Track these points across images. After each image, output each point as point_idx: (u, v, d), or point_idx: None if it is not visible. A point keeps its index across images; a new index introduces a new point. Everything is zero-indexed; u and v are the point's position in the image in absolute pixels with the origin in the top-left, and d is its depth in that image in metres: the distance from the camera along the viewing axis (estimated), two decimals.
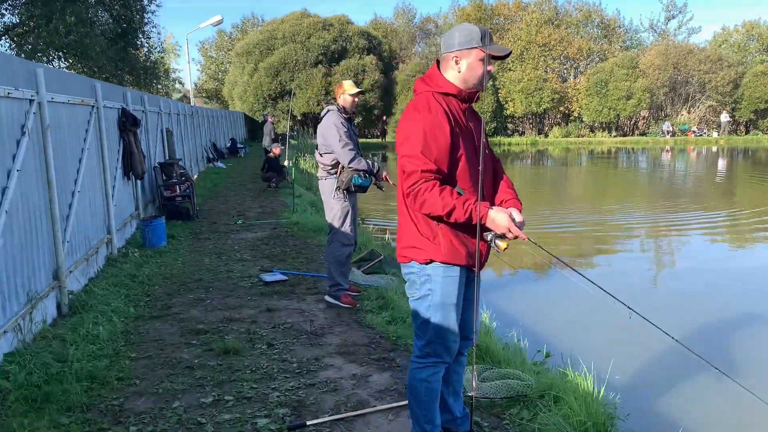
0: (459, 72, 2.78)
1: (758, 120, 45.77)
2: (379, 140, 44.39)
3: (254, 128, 43.23)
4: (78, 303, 5.47)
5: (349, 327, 5.08)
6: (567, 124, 47.49)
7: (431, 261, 2.74)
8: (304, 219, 10.22)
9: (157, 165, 11.24)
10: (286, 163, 15.96)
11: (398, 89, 45.66)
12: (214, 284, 6.43)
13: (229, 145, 28.31)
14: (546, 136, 47.23)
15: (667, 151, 38.24)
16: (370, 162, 5.64)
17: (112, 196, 7.80)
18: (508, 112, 46.85)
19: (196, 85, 43.59)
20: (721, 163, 29.32)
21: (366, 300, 5.79)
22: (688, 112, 46.83)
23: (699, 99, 46.00)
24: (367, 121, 46.13)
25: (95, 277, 6.57)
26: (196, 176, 18.29)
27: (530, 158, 34.49)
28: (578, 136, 46.31)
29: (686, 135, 44.25)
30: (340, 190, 5.57)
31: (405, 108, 2.89)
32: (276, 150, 15.66)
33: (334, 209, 5.63)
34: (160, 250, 8.08)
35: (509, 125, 48.87)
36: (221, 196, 14.19)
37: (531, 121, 48.76)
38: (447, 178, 2.68)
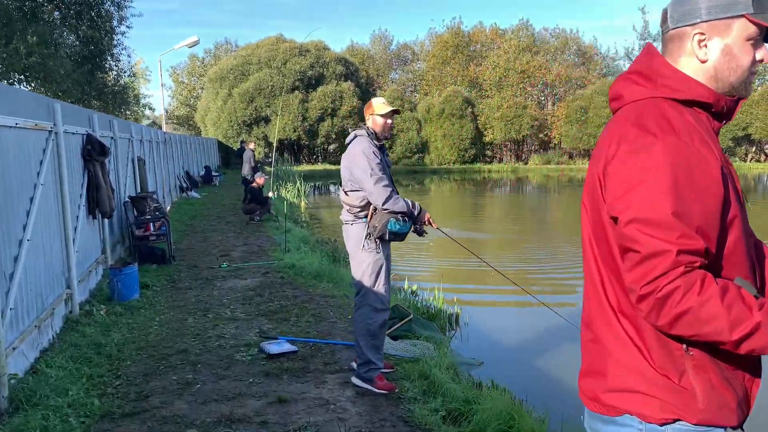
0: (706, 62, 1.56)
1: (735, 147, 45.82)
2: None
3: (228, 155, 41.77)
4: (23, 394, 4.07)
5: (395, 428, 3.76)
6: (546, 152, 46.98)
7: (676, 420, 1.46)
8: (300, 260, 8.88)
9: (127, 199, 9.83)
10: (270, 194, 14.61)
11: None
12: (202, 358, 5.05)
13: (203, 173, 26.83)
14: (525, 163, 46.63)
15: None
16: (409, 202, 4.38)
17: (74, 240, 6.39)
18: (487, 140, 46.21)
19: (167, 111, 42.10)
20: None
21: (404, 379, 4.49)
22: None
23: None
24: (343, 149, 45.01)
25: (49, 348, 5.15)
26: (169, 208, 16.83)
27: (511, 185, 33.67)
28: (558, 164, 45.80)
29: None
30: (372, 239, 4.30)
31: (608, 130, 1.62)
32: (259, 180, 14.32)
33: (364, 263, 4.34)
34: (131, 306, 6.66)
35: (488, 152, 48.21)
36: (199, 231, 12.78)
37: (510, 148, 48.19)
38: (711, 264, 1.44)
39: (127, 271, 6.99)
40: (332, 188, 31.90)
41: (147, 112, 53.50)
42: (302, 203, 19.75)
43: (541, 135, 46.49)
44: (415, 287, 8.10)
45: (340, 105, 42.67)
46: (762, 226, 17.98)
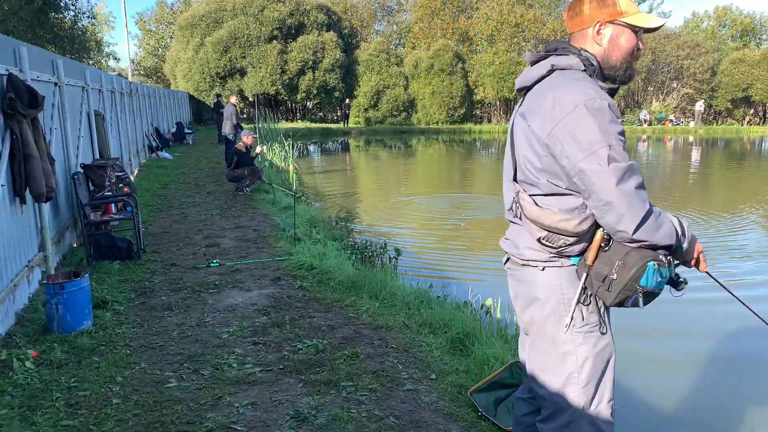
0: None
1: (734, 109, 44.07)
2: (341, 125, 40.42)
3: (200, 110, 38.66)
4: None
5: None
6: None
7: None
8: (318, 257, 6.49)
9: (79, 170, 7.27)
10: (258, 149, 12.09)
11: (360, 69, 41.78)
12: None
13: (174, 130, 23.96)
14: None
15: (643, 140, 35.96)
16: (674, 220, 2.01)
17: None
18: (478, 98, 43.66)
19: (133, 61, 38.62)
20: (703, 155, 26.88)
21: None
22: (663, 100, 44.77)
23: (675, 86, 43.95)
24: (326, 105, 42.21)
25: None
26: (136, 172, 14.19)
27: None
28: None
29: (663, 124, 42.14)
30: (596, 307, 1.98)
31: None
32: (247, 139, 11.75)
33: (571, 356, 2.01)
34: (79, 345, 4.25)
35: (478, 111, 45.72)
36: (175, 205, 10.24)
37: (501, 107, 45.75)
38: None
39: (74, 287, 4.54)
40: (311, 148, 29.25)
41: (111, 62, 49.57)
42: (291, 168, 17.19)
43: None
44: (489, 302, 5.77)
45: (322, 57, 39.56)
46: (748, 190, 16.27)
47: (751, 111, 45.52)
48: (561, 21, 44.57)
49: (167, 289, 5.63)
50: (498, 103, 45.27)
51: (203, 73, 38.00)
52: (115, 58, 49.00)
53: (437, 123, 42.01)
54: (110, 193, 7.29)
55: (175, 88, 38.83)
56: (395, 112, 42.16)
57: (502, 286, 2.68)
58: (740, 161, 25.45)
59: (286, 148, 18.20)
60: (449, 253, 8.78)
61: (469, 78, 42.82)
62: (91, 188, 7.32)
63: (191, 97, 37.98)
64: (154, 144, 18.37)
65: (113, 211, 7.14)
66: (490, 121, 45.91)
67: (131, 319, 4.86)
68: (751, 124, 44.64)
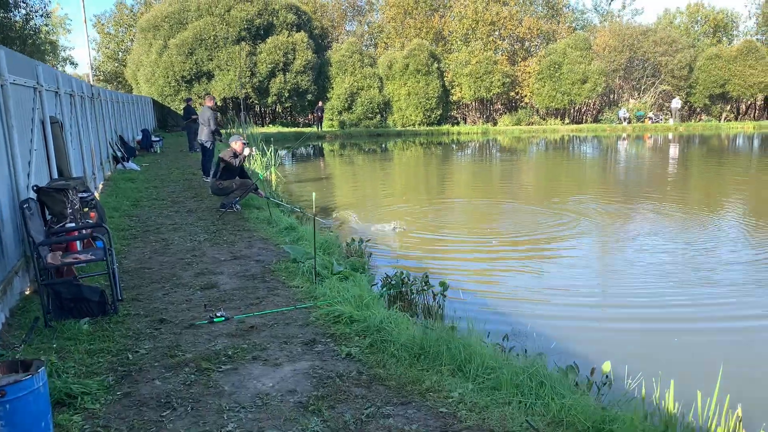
0: None
1: (711, 105, 43.69)
2: (314, 129, 38.71)
3: (165, 116, 36.56)
4: None
5: None
6: (517, 111, 43.62)
7: None
8: (351, 300, 4.93)
9: (32, 194, 5.57)
10: (247, 151, 10.36)
11: (333, 71, 40.15)
12: None
13: (140, 138, 22.02)
14: (495, 124, 43.18)
15: (623, 139, 35.19)
16: None
17: None
18: (455, 98, 42.39)
19: (92, 65, 36.23)
20: (691, 153, 26.03)
21: None
22: (638, 98, 44.16)
23: (653, 83, 43.37)
24: (300, 107, 40.43)
25: None
26: (101, 187, 12.38)
27: (490, 149, 30.14)
28: (529, 124, 42.57)
29: (643, 122, 41.49)
30: None
31: None
32: (236, 146, 10.05)
33: None
34: None
35: (455, 112, 44.48)
36: (151, 228, 8.52)
37: (479, 108, 44.59)
38: None
39: (21, 390, 2.89)
40: (282, 153, 27.38)
41: (69, 68, 46.94)
42: (273, 177, 15.53)
43: (512, 93, 42.97)
44: (606, 367, 4.31)
45: (293, 59, 37.81)
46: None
47: (728, 107, 45.26)
48: (536, 18, 43.76)
49: (160, 365, 3.98)
50: (474, 103, 44.11)
51: (168, 76, 35.91)
52: (72, 63, 46.47)
53: (414, 125, 40.62)
54: (73, 224, 5.58)
55: (138, 93, 36.63)
56: (370, 115, 40.64)
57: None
58: (727, 157, 24.67)
59: (269, 155, 16.51)
60: (498, 280, 7.27)
61: (446, 78, 41.55)
62: (48, 217, 5.62)
63: (155, 102, 35.83)
64: (119, 154, 16.50)
65: (78, 248, 5.44)
66: (466, 121, 44.73)
67: (113, 427, 3.22)
68: (727, 120, 44.34)
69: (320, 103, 38.76)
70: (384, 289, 5.94)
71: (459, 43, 42.78)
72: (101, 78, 45.31)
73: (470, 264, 8.11)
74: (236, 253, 7.08)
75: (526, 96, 42.90)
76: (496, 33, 42.77)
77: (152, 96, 35.72)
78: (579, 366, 4.20)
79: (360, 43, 43.82)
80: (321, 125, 38.79)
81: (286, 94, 38.16)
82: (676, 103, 41.76)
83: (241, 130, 23.98)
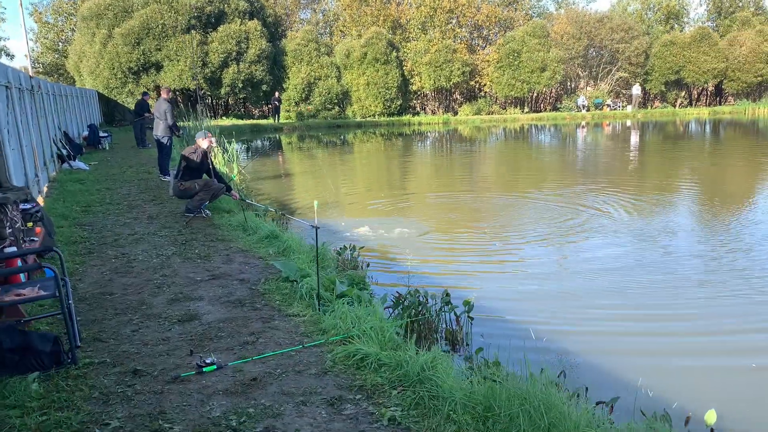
0: None
1: (667, 92, 44.06)
2: (271, 121, 37.32)
3: (111, 110, 34.61)
4: None
5: None
6: (476, 100, 43.09)
7: None
8: (372, 334, 3.99)
9: None
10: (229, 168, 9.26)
11: (288, 60, 38.79)
12: None
13: (86, 134, 20.42)
14: (455, 113, 42.55)
15: (583, 126, 35.09)
16: None
17: None
18: (414, 88, 41.55)
19: (30, 57, 33.80)
20: (652, 139, 25.92)
21: None
22: (595, 86, 44.21)
23: (610, 70, 43.43)
24: (254, 98, 38.93)
25: None
26: (45, 190, 11.05)
27: (455, 139, 29.43)
28: (489, 113, 42.11)
29: (601, 109, 41.53)
30: None
31: None
32: (203, 142, 8.93)
33: None
34: None
35: (415, 102, 43.65)
36: (108, 241, 7.34)
37: (438, 97, 43.87)
38: None
39: None
40: (236, 146, 25.91)
41: (4, 59, 44.05)
42: (235, 173, 14.39)
43: (471, 82, 42.37)
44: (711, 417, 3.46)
45: (247, 48, 36.26)
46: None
47: (683, 93, 45.76)
48: (495, 5, 43.25)
49: None
50: (433, 93, 43.38)
51: (113, 68, 33.93)
52: (7, 55, 43.61)
53: (374, 115, 39.63)
54: (14, 248, 4.45)
55: (81, 86, 34.51)
56: (329, 105, 39.48)
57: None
58: (687, 141, 24.63)
59: (230, 150, 15.31)
60: (516, 291, 6.40)
61: (405, 67, 40.66)
62: None
63: (101, 95, 33.84)
64: (64, 152, 15.05)
65: (24, 282, 4.32)
66: (425, 111, 43.99)
67: None
68: (682, 106, 44.84)
69: (276, 94, 37.36)
70: (398, 311, 5.01)
71: (417, 31, 41.91)
72: (40, 70, 42.69)
73: (476, 271, 7.23)
74: (214, 270, 6.01)
75: (485, 85, 42.39)
76: (455, 20, 42.07)
77: (97, 89, 33.71)
78: (670, 414, 3.37)
79: (315, 31, 42.46)
80: (278, 117, 37.41)
81: (240, 85, 36.61)
82: (637, 89, 41.95)
83: (194, 123, 22.58)
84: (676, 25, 49.63)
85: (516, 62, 40.40)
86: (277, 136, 33.52)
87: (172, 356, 4.00)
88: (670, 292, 6.24)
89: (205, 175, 8.91)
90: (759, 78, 41.90)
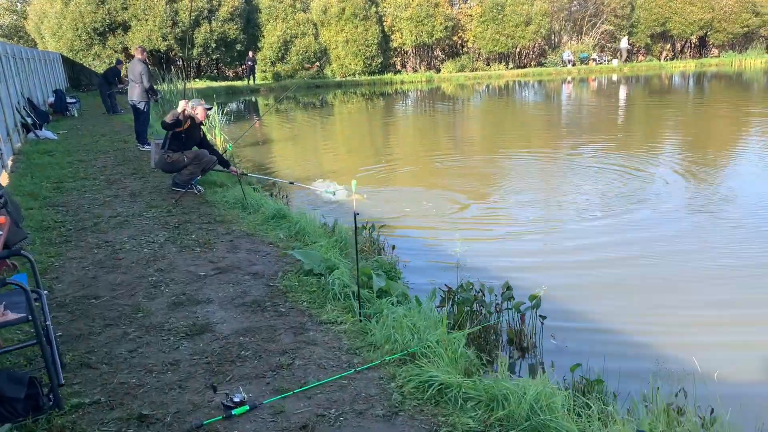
0: None
1: (652, 45, 43.15)
2: (246, 82, 35.75)
3: (77, 74, 32.76)
4: None
5: None
6: (459, 57, 41.80)
7: None
8: (450, 360, 3.10)
9: None
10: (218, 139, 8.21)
11: (263, 18, 37.00)
12: None
13: (52, 100, 18.97)
14: (438, 71, 41.26)
15: (568, 82, 34.23)
16: None
17: None
18: (396, 44, 40.07)
19: None
20: (640, 93, 25.14)
21: None
22: (579, 41, 43.11)
23: (595, 23, 42.32)
24: (228, 58, 37.22)
25: None
26: (10, 163, 9.89)
27: (442, 98, 28.33)
28: (472, 70, 40.90)
29: (587, 64, 40.55)
30: None
31: None
32: (195, 111, 7.87)
33: None
34: None
35: (396, 60, 42.21)
36: (88, 225, 6.28)
37: (419, 54, 42.45)
38: None
39: None
40: (214, 110, 24.35)
41: None
42: (219, 141, 13.29)
43: (454, 38, 41.00)
44: None
45: (219, 5, 34.43)
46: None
47: (668, 46, 44.92)
48: None
49: None
50: (414, 50, 41.92)
51: (77, 29, 31.96)
52: None
53: (354, 74, 38.20)
54: None
55: (44, 48, 32.50)
56: (307, 65, 37.89)
57: None
58: (686, 95, 23.88)
59: (212, 114, 14.09)
60: (574, 277, 5.51)
61: (385, 23, 39.09)
62: None
63: (65, 58, 31.91)
64: (29, 120, 13.73)
65: None
66: (406, 69, 42.61)
67: None
68: (667, 59, 44.05)
69: (251, 54, 35.67)
70: (449, 309, 4.12)
71: None
72: None
73: (520, 252, 6.31)
74: (218, 261, 5.05)
75: (468, 41, 41.06)
76: None
77: (61, 52, 31.77)
78: None
79: None
80: (253, 78, 35.81)
81: (213, 45, 34.86)
82: (625, 43, 41.04)
83: (169, 87, 21.21)
84: None
85: (500, 16, 39.07)
86: (253, 98, 32.07)
87: (187, 390, 3.08)
88: None
89: (195, 147, 7.86)
90: (745, 29, 41.17)
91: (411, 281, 5.19)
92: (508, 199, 8.31)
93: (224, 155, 8.06)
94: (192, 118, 7.88)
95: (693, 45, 46.63)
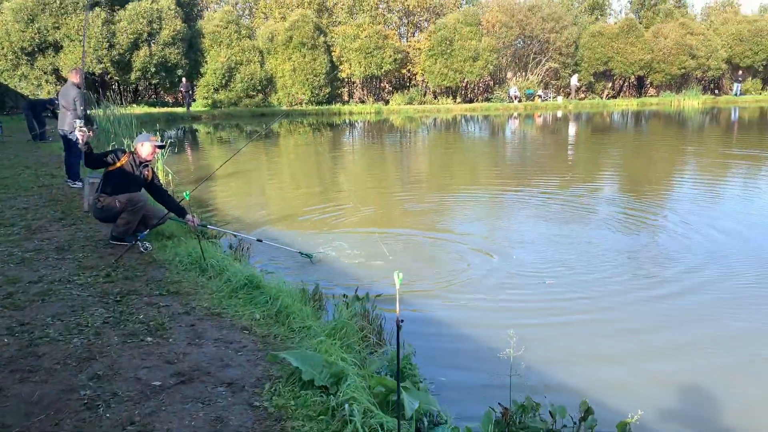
0: None
1: (595, 83, 43.99)
2: (184, 109, 34.05)
3: (2, 96, 30.41)
4: None
5: None
6: (408, 89, 41.39)
7: None
8: None
9: None
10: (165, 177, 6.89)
11: (206, 43, 35.58)
12: None
13: None
14: (386, 103, 40.67)
15: (515, 117, 34.23)
16: None
17: None
18: (344, 74, 39.31)
19: None
20: (573, 131, 25.13)
21: None
22: (526, 77, 43.52)
23: (540, 61, 42.80)
24: (168, 83, 35.50)
25: None
26: None
27: (394, 131, 27.54)
28: (421, 103, 40.52)
29: (533, 100, 40.85)
30: None
31: None
32: (144, 149, 6.58)
33: None
34: None
35: (343, 90, 41.42)
36: (9, 304, 4.88)
37: (366, 86, 41.83)
38: None
39: None
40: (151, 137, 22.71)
41: None
42: (161, 175, 11.89)
43: (403, 71, 40.61)
44: None
45: (159, 28, 32.80)
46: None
47: (610, 84, 45.91)
48: None
49: None
50: (361, 81, 41.29)
51: (3, 48, 29.71)
52: None
53: (301, 104, 37.11)
54: None
55: None
56: (252, 92, 36.57)
57: None
58: (641, 133, 23.89)
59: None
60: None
61: (333, 53, 38.32)
62: None
63: None
64: None
65: None
66: (353, 99, 41.88)
67: None
68: (609, 98, 44.96)
69: (185, 80, 33.98)
70: None
71: (345, 15, 39.62)
72: None
73: (574, 335, 5.24)
74: (178, 360, 3.75)
75: (417, 73, 40.74)
76: (384, 5, 40.08)
77: None
78: None
79: (235, 12, 39.32)
80: (189, 105, 34.11)
81: (153, 69, 33.10)
82: (575, 80, 41.66)
83: (104, 112, 19.50)
84: (600, 16, 49.82)
85: (449, 50, 38.96)
86: (191, 126, 30.47)
87: None
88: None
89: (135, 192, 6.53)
90: (682, 70, 42.48)
91: (429, 375, 4.04)
92: (499, 244, 7.27)
93: (180, 202, 6.75)
94: (133, 157, 6.57)
95: (631, 84, 47.89)
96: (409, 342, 4.47)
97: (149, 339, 4.03)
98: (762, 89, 45.15)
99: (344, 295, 5.31)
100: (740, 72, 43.62)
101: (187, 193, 5.85)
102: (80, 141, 6.15)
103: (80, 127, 6.14)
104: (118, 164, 6.39)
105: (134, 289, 5.01)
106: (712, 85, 46.01)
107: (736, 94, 42.68)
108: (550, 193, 11.19)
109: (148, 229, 6.58)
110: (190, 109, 34.12)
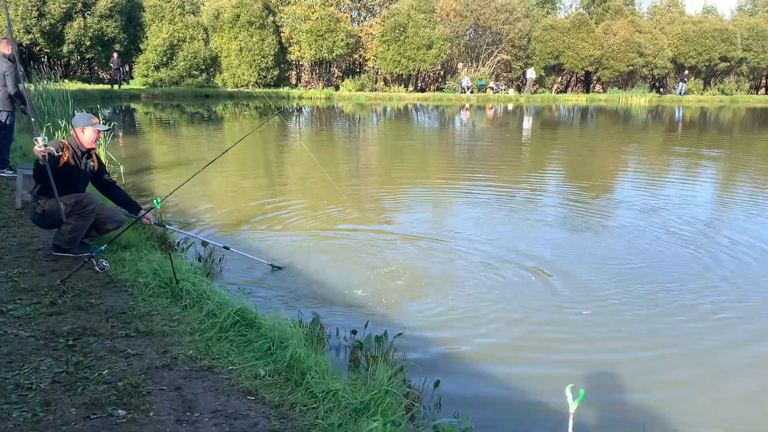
0: None
1: (546, 77, 43.99)
2: (113, 87, 31.72)
3: None
4: None
5: None
6: (359, 75, 40.25)
7: None
8: None
9: None
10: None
11: (147, 17, 33.39)
12: None
13: None
14: (336, 88, 39.42)
15: (466, 109, 33.77)
16: None
17: None
18: (293, 57, 37.80)
19: None
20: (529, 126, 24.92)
21: None
22: (477, 68, 43.08)
23: (492, 52, 42.41)
24: (104, 58, 33.17)
25: None
26: None
27: (347, 117, 26.47)
28: (372, 90, 39.47)
29: (484, 92, 40.45)
30: None
31: None
32: (84, 134, 5.34)
33: None
34: None
35: (291, 74, 39.90)
36: None
37: (316, 70, 40.42)
38: None
39: None
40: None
41: None
42: (103, 157, 10.44)
43: (355, 56, 39.39)
44: None
45: (96, 0, 30.56)
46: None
47: (559, 79, 46.04)
48: None
49: None
50: (310, 65, 39.88)
51: None
52: None
53: (247, 85, 35.42)
54: None
55: None
56: (195, 72, 34.63)
57: None
58: (596, 128, 23.71)
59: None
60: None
61: (282, 34, 36.73)
62: None
63: None
64: None
65: None
66: (301, 84, 40.43)
67: None
68: (558, 92, 45.09)
69: (116, 56, 31.49)
70: None
71: None
72: None
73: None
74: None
75: (369, 59, 39.63)
76: None
77: None
78: None
79: None
80: (120, 82, 31.84)
81: (88, 43, 30.86)
82: (531, 73, 41.45)
83: (35, 87, 17.61)
84: (551, 10, 49.89)
85: (402, 37, 38.00)
86: (126, 105, 28.49)
87: None
88: None
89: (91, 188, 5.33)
90: (630, 67, 42.94)
91: None
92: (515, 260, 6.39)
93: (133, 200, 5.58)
94: (73, 148, 5.31)
95: (579, 79, 48.24)
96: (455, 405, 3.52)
97: (121, 412, 2.92)
98: (703, 89, 46.25)
99: (353, 331, 4.34)
100: (686, 72, 44.50)
101: (158, 200, 4.70)
102: (40, 158, 4.83)
103: (44, 145, 4.79)
104: (62, 162, 5.14)
105: (91, 327, 3.86)
106: (657, 84, 46.81)
107: (680, 93, 43.52)
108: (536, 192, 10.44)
109: (101, 234, 5.39)
110: (122, 86, 31.88)
